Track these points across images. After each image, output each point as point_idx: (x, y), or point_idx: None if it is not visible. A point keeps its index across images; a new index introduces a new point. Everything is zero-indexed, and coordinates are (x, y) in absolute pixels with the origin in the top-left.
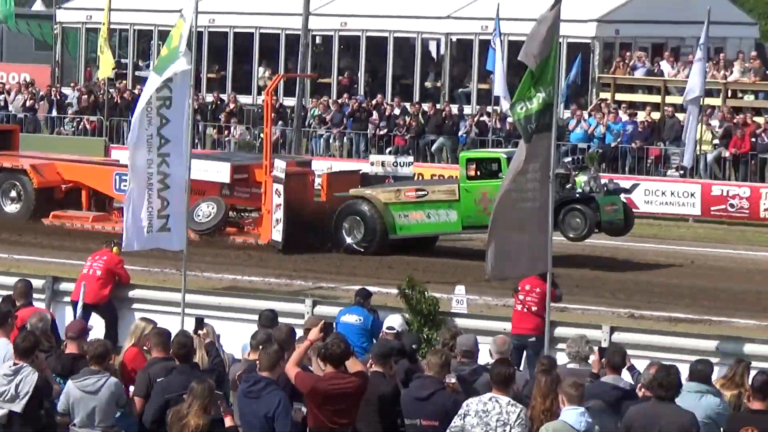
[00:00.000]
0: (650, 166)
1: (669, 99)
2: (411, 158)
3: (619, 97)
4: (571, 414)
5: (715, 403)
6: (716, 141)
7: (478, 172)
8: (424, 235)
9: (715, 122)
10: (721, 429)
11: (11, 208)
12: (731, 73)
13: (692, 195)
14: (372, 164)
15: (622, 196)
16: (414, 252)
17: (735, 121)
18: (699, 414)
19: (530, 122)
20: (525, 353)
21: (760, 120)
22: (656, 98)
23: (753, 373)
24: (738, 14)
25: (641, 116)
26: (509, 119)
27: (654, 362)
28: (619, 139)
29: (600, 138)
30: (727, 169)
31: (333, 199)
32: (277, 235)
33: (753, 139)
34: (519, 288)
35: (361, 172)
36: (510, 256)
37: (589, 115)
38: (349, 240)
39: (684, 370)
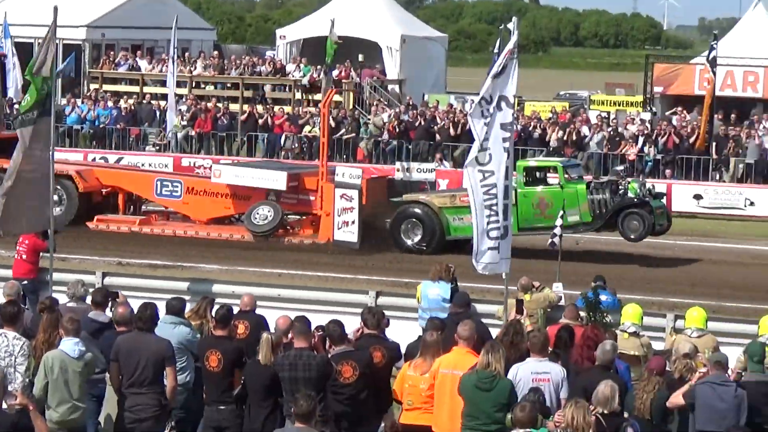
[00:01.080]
0: (132, 143)
1: (146, 89)
2: (433, 165)
3: (106, 87)
4: (68, 344)
5: (186, 332)
6: (185, 122)
7: (532, 179)
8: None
9: (184, 107)
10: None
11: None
12: (195, 68)
13: (166, 166)
14: (398, 170)
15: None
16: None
17: (200, 106)
18: (174, 341)
19: (32, 111)
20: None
21: (219, 105)
22: (136, 89)
23: (216, 307)
24: (200, 21)
25: (123, 103)
26: None
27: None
28: (106, 122)
29: (91, 121)
30: (193, 144)
31: (370, 203)
32: (350, 236)
33: (214, 121)
34: (20, 240)
35: (388, 178)
36: (16, 216)
37: (82, 102)
38: (408, 242)
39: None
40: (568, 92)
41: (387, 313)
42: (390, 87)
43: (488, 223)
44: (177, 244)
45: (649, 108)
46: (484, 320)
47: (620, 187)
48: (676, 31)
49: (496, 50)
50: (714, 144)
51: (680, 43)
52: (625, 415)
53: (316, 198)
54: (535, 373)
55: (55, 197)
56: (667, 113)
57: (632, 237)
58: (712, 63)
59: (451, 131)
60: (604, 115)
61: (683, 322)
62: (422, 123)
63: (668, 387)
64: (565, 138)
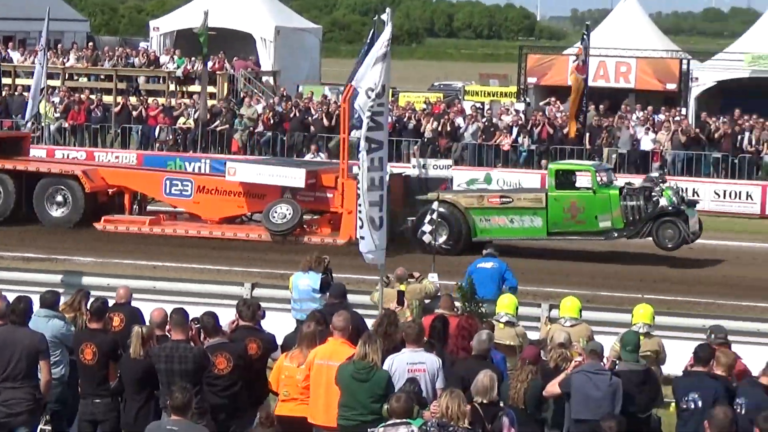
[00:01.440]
0: None
1: (18, 81)
2: (450, 161)
3: None
4: None
5: (60, 325)
6: (57, 114)
7: (563, 182)
8: (505, 238)
9: (56, 99)
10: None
11: (58, 213)
12: (68, 60)
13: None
14: (414, 167)
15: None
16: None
17: (73, 98)
18: (48, 334)
19: None
20: None
21: (93, 97)
22: (8, 80)
23: (91, 299)
24: (72, 12)
25: None
26: None
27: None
28: None
29: None
30: (67, 136)
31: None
32: None
33: (87, 113)
34: None
35: (404, 174)
36: None
37: None
38: (435, 242)
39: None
40: (443, 83)
41: (263, 304)
42: (264, 78)
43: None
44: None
45: (523, 98)
46: (361, 311)
47: (654, 193)
48: (549, 22)
49: (368, 40)
50: (587, 134)
51: (553, 34)
52: (501, 404)
53: (334, 195)
54: (411, 363)
55: (60, 198)
56: (540, 104)
57: (669, 246)
58: (585, 53)
59: (325, 122)
60: (478, 105)
61: (558, 311)
62: (297, 114)
63: (543, 376)
64: (439, 129)
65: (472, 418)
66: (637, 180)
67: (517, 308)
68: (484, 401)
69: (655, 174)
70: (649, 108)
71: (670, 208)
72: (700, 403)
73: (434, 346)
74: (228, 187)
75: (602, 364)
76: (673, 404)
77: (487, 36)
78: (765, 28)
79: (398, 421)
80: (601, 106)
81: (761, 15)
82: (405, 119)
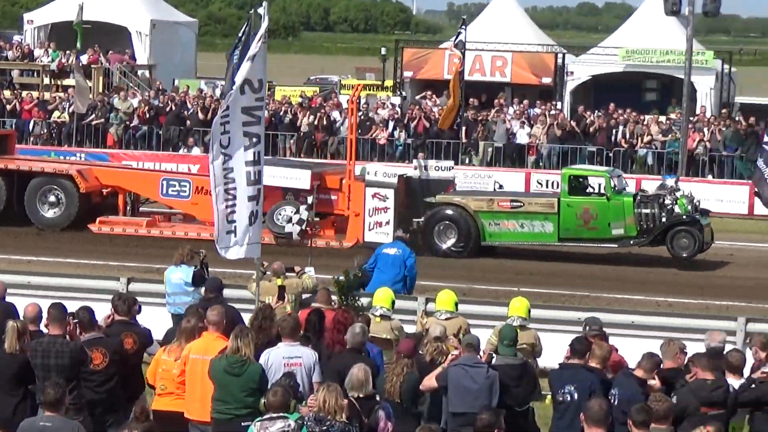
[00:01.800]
0: None
1: None
2: (451, 163)
3: None
4: None
5: None
6: None
7: (577, 188)
8: (515, 243)
9: None
10: None
11: (50, 213)
12: None
13: None
14: (415, 168)
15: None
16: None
17: None
18: None
19: None
20: None
21: None
22: None
23: None
24: None
25: None
26: None
27: None
28: None
29: None
30: None
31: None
32: (383, 237)
33: None
34: None
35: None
36: None
37: None
38: (443, 245)
39: None
40: (319, 77)
41: (139, 299)
42: (140, 72)
43: (227, 207)
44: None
45: (399, 92)
46: (238, 306)
47: (668, 201)
48: (425, 16)
49: (241, 34)
50: (464, 128)
51: (429, 28)
52: (377, 398)
53: (339, 197)
54: (287, 357)
55: (52, 198)
56: (416, 97)
57: (684, 255)
58: (458, 47)
59: (201, 116)
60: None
61: (434, 305)
62: (173, 108)
63: (420, 370)
64: (315, 123)
65: (349, 413)
66: (512, 174)
67: (393, 302)
68: (360, 395)
69: (669, 182)
70: (525, 102)
71: (684, 216)
72: (576, 396)
73: (310, 339)
74: None
75: (479, 357)
76: (549, 397)
77: (363, 30)
78: (638, 22)
79: (275, 415)
80: (474, 100)
81: (635, 10)
82: (281, 113)
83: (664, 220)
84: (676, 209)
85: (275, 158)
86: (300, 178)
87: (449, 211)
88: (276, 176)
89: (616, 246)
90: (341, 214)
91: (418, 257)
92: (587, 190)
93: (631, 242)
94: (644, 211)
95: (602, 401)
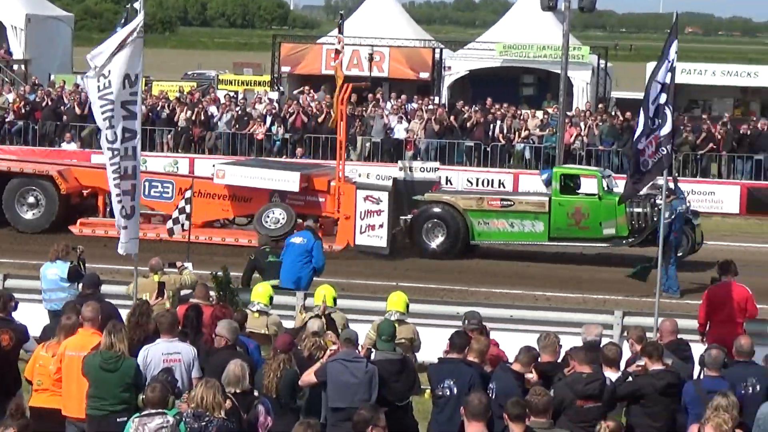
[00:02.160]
0: None
1: None
2: (437, 164)
3: None
4: None
5: None
6: None
7: (568, 187)
8: (505, 242)
9: None
10: None
11: (29, 215)
12: None
13: None
14: (400, 169)
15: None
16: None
17: None
18: None
19: None
20: None
21: None
22: None
23: None
24: None
25: None
26: None
27: None
28: None
29: None
30: None
31: None
32: (377, 240)
33: None
34: None
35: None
36: None
37: None
38: (432, 244)
39: None
40: (196, 72)
41: (15, 295)
42: (15, 67)
43: (119, 202)
44: None
45: (276, 87)
46: (116, 302)
47: (659, 201)
48: (302, 11)
49: (118, 29)
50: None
51: (307, 23)
52: (255, 393)
53: (326, 200)
54: (166, 353)
55: (31, 199)
56: (294, 92)
57: (679, 254)
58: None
59: (78, 111)
60: (232, 94)
61: (312, 300)
62: (49, 103)
63: (299, 365)
64: (193, 118)
65: (228, 408)
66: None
67: (271, 297)
68: (237, 391)
69: (660, 181)
70: (403, 97)
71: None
72: (455, 390)
73: (188, 335)
74: (212, 190)
75: (357, 352)
76: (428, 391)
77: (240, 25)
78: (515, 18)
79: (153, 411)
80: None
81: (512, 5)
82: (158, 108)
83: (656, 219)
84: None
85: (263, 160)
86: (289, 180)
87: (438, 209)
88: (264, 178)
89: (608, 246)
90: (329, 216)
91: (406, 257)
92: (577, 190)
93: (623, 242)
94: (636, 210)
95: (482, 395)
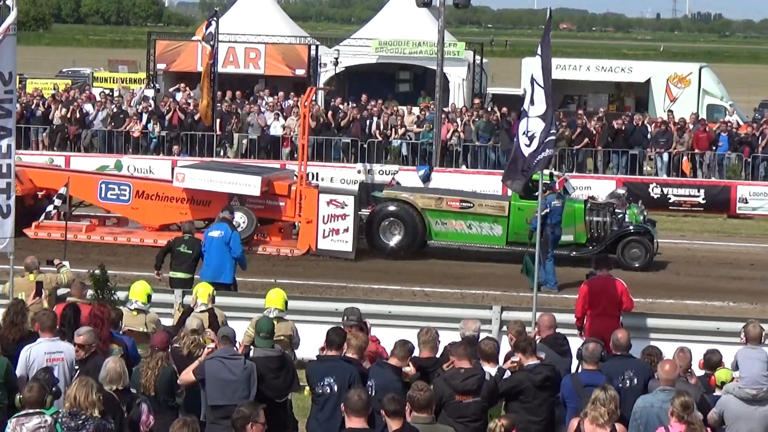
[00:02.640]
0: None
1: None
2: (396, 167)
3: None
4: None
5: None
6: None
7: (530, 192)
8: (462, 244)
9: None
10: None
11: None
12: None
13: None
14: (359, 171)
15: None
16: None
17: None
18: None
19: None
20: None
21: None
22: None
23: None
24: None
25: None
26: None
27: None
28: None
29: None
30: None
31: None
32: (342, 245)
33: None
34: None
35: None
36: None
37: None
38: (390, 243)
39: None
40: (71, 69)
41: None
42: None
43: None
44: None
45: (152, 85)
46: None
47: (618, 210)
48: (177, 8)
49: None
50: (218, 120)
51: (182, 21)
52: (134, 391)
53: (286, 204)
54: (49, 353)
55: None
56: (170, 90)
57: (636, 265)
58: (208, 39)
59: None
60: (107, 92)
61: (193, 296)
62: None
63: (178, 363)
64: (69, 116)
65: (105, 407)
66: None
67: (149, 296)
68: (119, 388)
69: (621, 191)
70: (280, 94)
71: (632, 227)
72: (335, 388)
73: (66, 334)
74: (170, 193)
75: (235, 348)
76: (307, 388)
77: (115, 22)
78: (391, 14)
79: (31, 411)
80: (228, 92)
81: (387, 2)
82: (33, 106)
83: (615, 228)
84: (627, 219)
85: (223, 162)
86: (250, 184)
87: (395, 207)
88: (226, 182)
89: (566, 252)
90: (289, 220)
91: (364, 256)
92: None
93: (583, 251)
94: (595, 218)
95: (361, 391)
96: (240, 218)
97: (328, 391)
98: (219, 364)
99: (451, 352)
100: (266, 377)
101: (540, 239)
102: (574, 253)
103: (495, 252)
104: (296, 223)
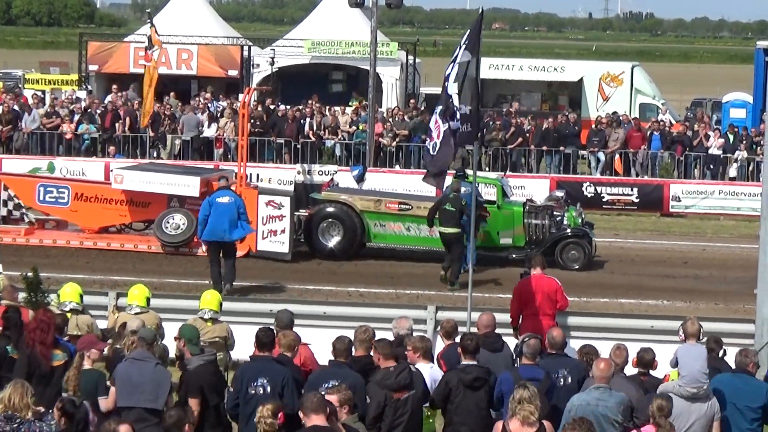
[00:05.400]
0: None
1: None
2: (335, 167)
3: None
4: None
5: None
6: None
7: None
8: (400, 246)
9: None
10: None
11: None
12: None
13: None
14: (299, 172)
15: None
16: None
17: None
18: None
19: None
20: None
21: None
22: None
23: None
24: None
25: None
26: None
27: None
28: None
29: None
30: None
31: None
32: (279, 246)
33: None
34: None
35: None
36: None
37: None
38: (329, 244)
39: None
40: (2, 71)
41: None
42: None
43: None
44: None
45: (85, 86)
46: None
47: (556, 213)
48: (110, 9)
49: None
50: (152, 122)
51: (115, 22)
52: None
53: None
54: None
55: None
56: (110, 95)
57: (576, 267)
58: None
59: None
60: (39, 93)
61: (126, 299)
62: None
63: (109, 365)
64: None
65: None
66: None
67: (81, 296)
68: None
69: (559, 193)
70: (208, 95)
71: (569, 230)
72: (269, 389)
73: (11, 338)
74: (109, 195)
75: (152, 352)
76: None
77: (46, 23)
78: (323, 14)
79: None
80: (171, 93)
81: (319, 2)
82: None
83: (554, 231)
84: (566, 221)
85: (161, 163)
86: (189, 185)
87: (334, 209)
88: (164, 183)
89: (504, 255)
90: None
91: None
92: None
93: (514, 255)
94: (533, 221)
95: (315, 392)
96: (179, 219)
97: (261, 392)
98: (129, 365)
99: (376, 350)
100: (204, 382)
101: (475, 234)
102: (513, 255)
103: (433, 252)
104: None
